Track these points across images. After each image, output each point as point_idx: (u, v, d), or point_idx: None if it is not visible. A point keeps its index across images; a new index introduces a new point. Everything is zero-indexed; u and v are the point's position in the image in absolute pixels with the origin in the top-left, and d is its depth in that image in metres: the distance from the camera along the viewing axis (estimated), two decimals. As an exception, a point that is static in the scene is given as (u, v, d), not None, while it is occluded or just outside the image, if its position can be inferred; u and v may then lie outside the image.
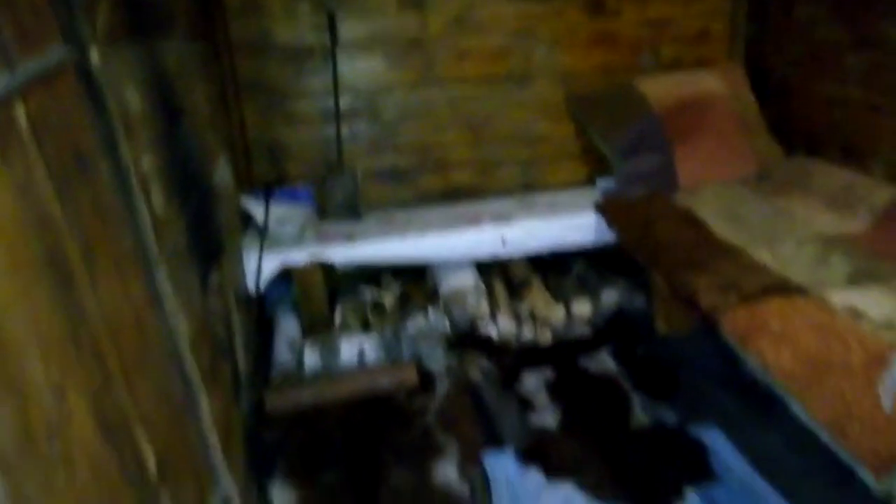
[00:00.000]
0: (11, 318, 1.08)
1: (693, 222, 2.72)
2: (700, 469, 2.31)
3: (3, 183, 1.09)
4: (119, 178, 1.50)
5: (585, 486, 2.29)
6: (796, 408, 1.77)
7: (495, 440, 2.58)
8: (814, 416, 1.67)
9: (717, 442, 2.41)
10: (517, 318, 3.15)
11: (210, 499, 1.79)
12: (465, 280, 3.18)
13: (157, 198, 1.66)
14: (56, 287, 1.24)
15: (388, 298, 3.15)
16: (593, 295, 3.21)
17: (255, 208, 3.07)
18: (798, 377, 1.73)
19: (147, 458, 1.50)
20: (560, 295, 3.24)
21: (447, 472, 2.44)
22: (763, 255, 2.37)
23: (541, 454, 2.46)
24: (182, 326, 1.74)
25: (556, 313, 3.16)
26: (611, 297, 3.19)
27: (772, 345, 1.86)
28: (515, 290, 3.26)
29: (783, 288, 2.09)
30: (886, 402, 1.37)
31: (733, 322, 2.04)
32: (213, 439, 1.87)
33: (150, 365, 1.59)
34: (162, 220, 1.67)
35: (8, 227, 1.09)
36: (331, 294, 3.21)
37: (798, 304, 1.98)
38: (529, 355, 3.04)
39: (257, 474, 2.30)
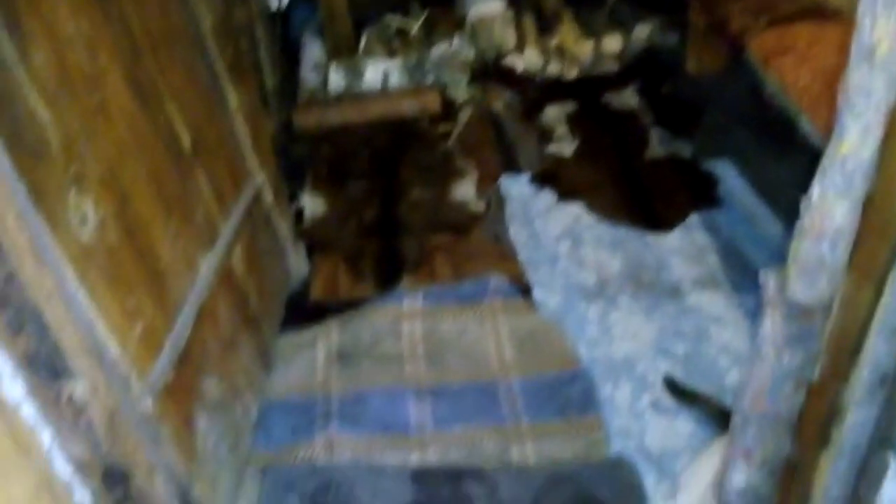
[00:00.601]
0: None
1: (741, -53, 2.54)
2: (707, 197, 2.41)
3: None
4: None
5: (594, 206, 2.42)
6: (806, 124, 1.80)
7: (513, 166, 2.69)
8: (821, 130, 1.70)
9: (727, 174, 2.48)
10: (544, 52, 3.10)
11: (242, 186, 1.94)
12: (494, 8, 3.09)
13: None
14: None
15: (414, 25, 3.09)
16: (625, 30, 3.11)
17: (276, -80, 2.92)
18: (812, 93, 1.74)
19: (181, 133, 1.61)
20: (590, 30, 3.15)
21: (465, 190, 2.58)
22: (806, -19, 2.25)
23: (555, 177, 2.57)
24: (204, 15, 1.76)
25: (585, 49, 3.10)
26: (643, 33, 3.10)
27: (794, 64, 1.85)
28: (545, 23, 3.17)
29: (817, 12, 2.02)
30: None
31: (761, 44, 2.00)
32: (243, 133, 1.98)
33: (177, 48, 1.64)
34: None
35: None
36: (356, 22, 3.16)
37: (828, 28, 1.93)
38: (553, 89, 3.04)
39: (288, 183, 2.46)
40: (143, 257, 1.37)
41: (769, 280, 0.76)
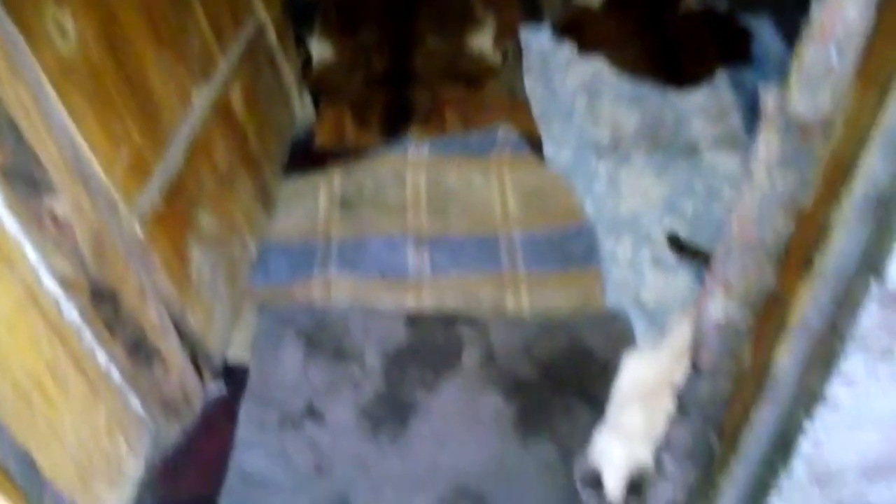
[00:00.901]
0: None
1: None
2: (739, 53, 2.27)
3: None
4: None
5: (618, 61, 2.29)
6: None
7: (535, 16, 2.53)
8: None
9: (763, 31, 2.32)
10: None
11: (243, 22, 1.86)
12: None
13: None
14: None
15: None
16: None
17: None
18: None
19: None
20: None
21: (482, 41, 2.46)
22: None
23: (578, 29, 2.43)
24: None
25: None
26: None
27: None
28: None
29: None
30: None
31: None
32: (243, -36, 1.87)
33: None
34: None
35: None
36: None
37: None
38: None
39: (296, 28, 2.35)
40: (131, 82, 1.32)
41: (768, 94, 0.69)
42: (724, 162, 1.92)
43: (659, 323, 1.55)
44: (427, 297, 1.71)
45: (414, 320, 1.65)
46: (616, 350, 1.55)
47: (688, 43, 2.34)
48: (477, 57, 2.41)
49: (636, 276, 1.67)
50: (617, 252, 1.73)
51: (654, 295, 1.63)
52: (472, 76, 2.35)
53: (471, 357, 1.58)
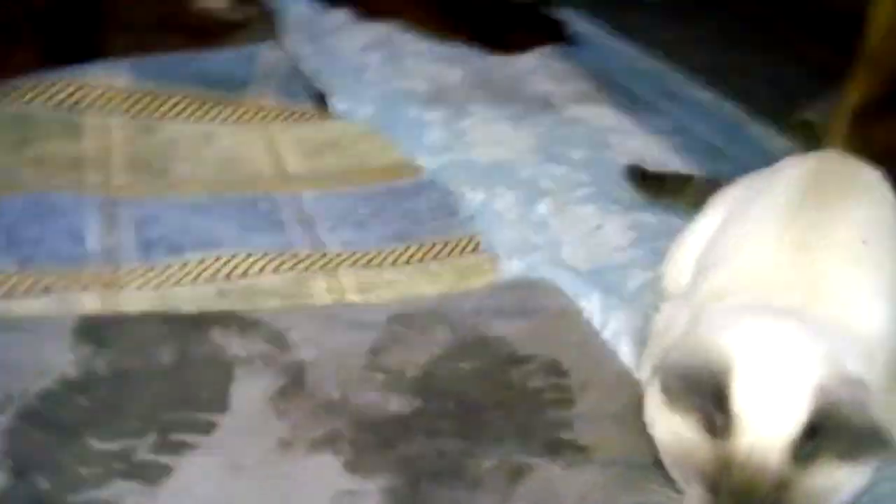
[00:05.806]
0: None
1: None
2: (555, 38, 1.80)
3: None
4: None
5: (412, 29, 1.68)
6: None
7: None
8: None
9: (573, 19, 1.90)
10: None
11: None
12: None
13: None
14: None
15: None
16: None
17: None
18: None
19: None
20: None
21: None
22: None
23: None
24: None
25: None
26: None
27: None
28: None
29: None
30: None
31: None
32: None
33: None
34: None
35: None
36: None
37: None
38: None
39: None
40: None
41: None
42: (596, 115, 1.35)
43: (609, 282, 0.83)
44: (131, 298, 0.77)
45: (97, 327, 0.70)
46: (558, 342, 0.77)
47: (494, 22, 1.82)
48: (203, 13, 1.63)
49: (541, 234, 0.95)
50: (496, 207, 1.01)
51: (585, 252, 0.91)
52: (198, 30, 1.56)
53: (249, 394, 0.66)
